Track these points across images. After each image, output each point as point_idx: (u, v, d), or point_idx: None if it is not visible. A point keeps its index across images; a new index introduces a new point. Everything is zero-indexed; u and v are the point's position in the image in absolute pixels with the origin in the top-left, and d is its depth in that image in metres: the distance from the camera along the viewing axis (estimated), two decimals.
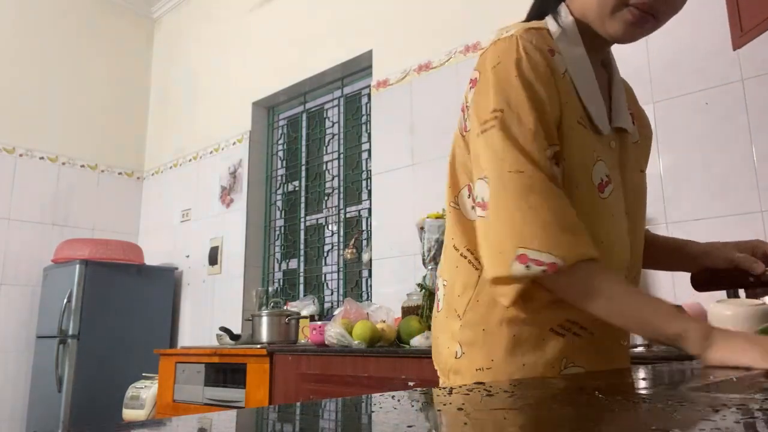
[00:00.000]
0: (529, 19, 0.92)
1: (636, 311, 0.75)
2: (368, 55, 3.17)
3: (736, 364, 0.66)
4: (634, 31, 0.82)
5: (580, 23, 0.87)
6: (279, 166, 3.81)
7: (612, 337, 0.87)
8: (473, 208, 0.84)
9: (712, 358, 0.69)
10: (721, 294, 1.67)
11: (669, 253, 1.05)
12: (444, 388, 0.55)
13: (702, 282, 0.99)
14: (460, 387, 0.53)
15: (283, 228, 3.70)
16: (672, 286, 1.92)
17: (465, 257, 0.88)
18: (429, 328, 2.02)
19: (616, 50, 0.96)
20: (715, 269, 0.96)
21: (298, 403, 0.50)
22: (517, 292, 0.76)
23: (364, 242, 3.15)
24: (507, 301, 0.77)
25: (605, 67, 0.95)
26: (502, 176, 0.76)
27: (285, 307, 3.09)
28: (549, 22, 0.88)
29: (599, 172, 0.83)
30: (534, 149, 0.76)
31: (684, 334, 0.71)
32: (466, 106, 0.86)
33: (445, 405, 0.39)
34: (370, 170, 3.08)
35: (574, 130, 0.82)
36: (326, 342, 2.29)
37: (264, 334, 2.78)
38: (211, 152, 4.04)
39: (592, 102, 0.86)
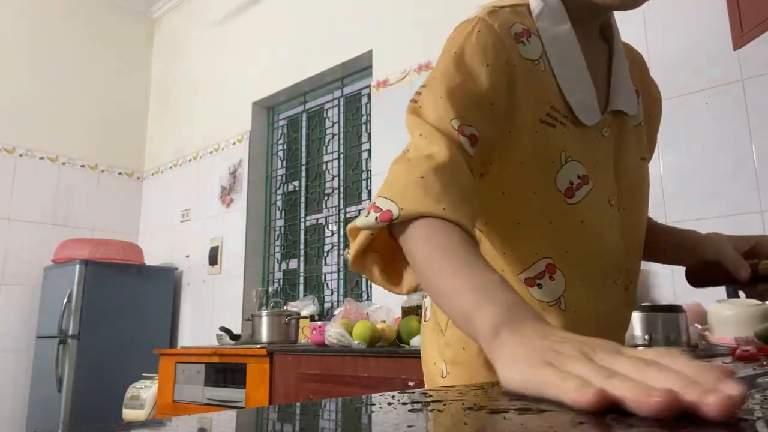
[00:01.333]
0: None
1: (439, 279, 0.56)
2: (368, 55, 3.17)
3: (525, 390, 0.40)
4: None
5: None
6: (279, 166, 3.81)
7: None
8: None
9: (499, 371, 0.43)
10: (722, 294, 1.67)
11: (672, 248, 0.95)
12: (444, 388, 0.55)
13: (694, 276, 0.90)
14: (460, 386, 0.53)
15: (283, 228, 3.70)
16: (672, 285, 1.92)
17: None
18: None
19: None
20: (708, 262, 0.87)
21: (298, 403, 0.50)
22: (358, 244, 0.65)
23: None
24: (350, 258, 0.67)
25: (606, 38, 0.85)
26: (409, 144, 0.71)
27: (285, 307, 3.09)
28: None
29: (568, 175, 0.75)
30: (438, 117, 0.69)
31: (470, 320, 0.49)
32: None
33: (445, 405, 0.39)
34: (370, 170, 3.08)
35: (535, 129, 0.74)
36: (326, 342, 2.29)
37: (264, 334, 2.78)
38: (211, 152, 4.04)
39: (577, 89, 0.76)
